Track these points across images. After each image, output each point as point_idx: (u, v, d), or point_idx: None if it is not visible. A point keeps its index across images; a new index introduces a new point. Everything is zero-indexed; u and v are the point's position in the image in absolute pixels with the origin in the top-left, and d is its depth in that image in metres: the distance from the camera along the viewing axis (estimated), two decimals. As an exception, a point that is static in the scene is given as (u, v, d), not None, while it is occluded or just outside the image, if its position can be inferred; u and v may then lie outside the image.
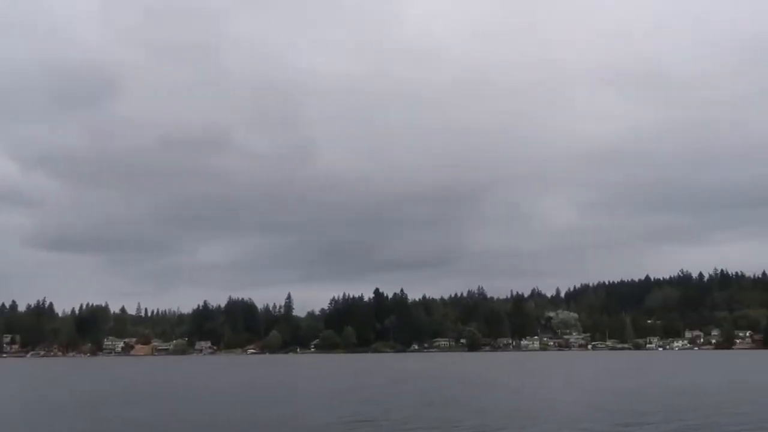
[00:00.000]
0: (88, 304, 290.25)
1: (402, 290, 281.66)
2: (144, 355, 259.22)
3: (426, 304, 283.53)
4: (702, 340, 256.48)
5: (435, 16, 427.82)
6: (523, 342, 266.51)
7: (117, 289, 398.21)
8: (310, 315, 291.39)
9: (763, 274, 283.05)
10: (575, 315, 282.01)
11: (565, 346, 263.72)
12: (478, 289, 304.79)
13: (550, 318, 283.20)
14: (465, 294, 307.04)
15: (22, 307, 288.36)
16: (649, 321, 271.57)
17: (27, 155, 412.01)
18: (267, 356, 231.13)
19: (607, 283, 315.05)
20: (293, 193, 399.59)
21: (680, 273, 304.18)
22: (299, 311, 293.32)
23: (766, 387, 56.56)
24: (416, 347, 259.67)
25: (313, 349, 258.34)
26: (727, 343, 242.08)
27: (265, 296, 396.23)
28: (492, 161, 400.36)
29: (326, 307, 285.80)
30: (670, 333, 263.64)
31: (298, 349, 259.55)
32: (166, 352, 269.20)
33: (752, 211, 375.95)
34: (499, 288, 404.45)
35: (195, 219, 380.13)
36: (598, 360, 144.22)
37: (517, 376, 78.33)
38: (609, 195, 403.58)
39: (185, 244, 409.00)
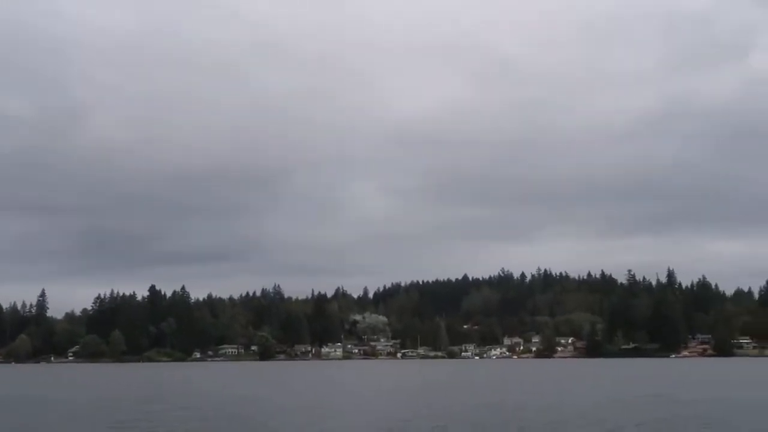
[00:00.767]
0: None
1: (183, 288, 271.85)
2: None
3: (211, 304, 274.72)
4: (522, 347, 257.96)
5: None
6: (325, 349, 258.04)
7: None
8: (69, 316, 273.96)
9: (588, 275, 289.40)
10: (384, 319, 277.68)
11: (372, 354, 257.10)
12: (274, 287, 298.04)
13: (355, 322, 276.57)
14: (258, 293, 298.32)
15: None
16: (465, 326, 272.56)
17: None
18: (11, 367, 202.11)
19: (420, 282, 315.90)
20: (52, 165, 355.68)
21: (500, 273, 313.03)
22: (55, 312, 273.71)
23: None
24: (198, 355, 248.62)
25: (71, 358, 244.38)
26: (548, 351, 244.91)
27: (12, 293, 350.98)
28: (291, 142, 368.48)
29: (89, 307, 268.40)
30: (487, 340, 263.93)
31: (52, 358, 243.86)
32: None
33: (581, 207, 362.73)
34: (298, 287, 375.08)
35: None
36: (403, 370, 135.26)
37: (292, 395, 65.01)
38: (426, 183, 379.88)
39: None
